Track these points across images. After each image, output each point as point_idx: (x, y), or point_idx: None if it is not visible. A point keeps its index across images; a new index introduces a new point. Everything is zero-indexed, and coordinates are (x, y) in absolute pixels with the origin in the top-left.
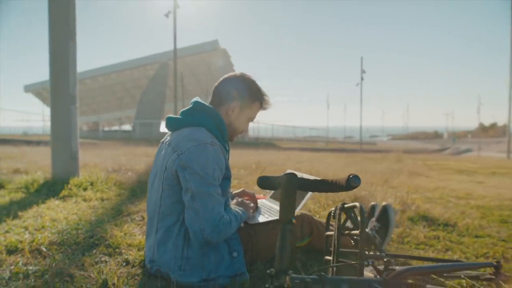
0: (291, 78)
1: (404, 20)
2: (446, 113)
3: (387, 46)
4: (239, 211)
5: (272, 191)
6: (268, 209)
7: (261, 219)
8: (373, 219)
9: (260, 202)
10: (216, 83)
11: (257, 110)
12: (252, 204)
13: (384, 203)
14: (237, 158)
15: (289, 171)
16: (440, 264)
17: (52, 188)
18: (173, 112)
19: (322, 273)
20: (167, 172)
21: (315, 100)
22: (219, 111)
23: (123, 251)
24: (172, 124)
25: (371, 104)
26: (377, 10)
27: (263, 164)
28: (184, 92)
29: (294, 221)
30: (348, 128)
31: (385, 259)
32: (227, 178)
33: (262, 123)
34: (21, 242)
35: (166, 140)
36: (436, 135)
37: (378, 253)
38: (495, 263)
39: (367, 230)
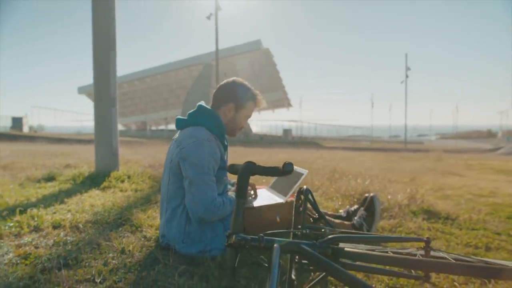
0: (336, 76)
1: (452, 15)
2: (500, 111)
3: (433, 42)
4: (233, 195)
5: (272, 182)
6: (266, 197)
7: (255, 204)
8: (362, 208)
9: (259, 191)
10: (215, 90)
11: (252, 109)
12: (251, 191)
13: (371, 194)
14: (271, 156)
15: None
16: (370, 234)
17: (94, 180)
18: None
19: (261, 234)
20: (172, 163)
21: (360, 99)
22: (218, 112)
23: (144, 229)
24: (180, 124)
25: (418, 102)
26: (423, 4)
27: (294, 162)
28: None
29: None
30: (394, 127)
31: (323, 230)
32: (222, 168)
33: (306, 122)
34: (63, 220)
35: (175, 137)
36: (489, 134)
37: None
38: (425, 239)
39: (356, 218)
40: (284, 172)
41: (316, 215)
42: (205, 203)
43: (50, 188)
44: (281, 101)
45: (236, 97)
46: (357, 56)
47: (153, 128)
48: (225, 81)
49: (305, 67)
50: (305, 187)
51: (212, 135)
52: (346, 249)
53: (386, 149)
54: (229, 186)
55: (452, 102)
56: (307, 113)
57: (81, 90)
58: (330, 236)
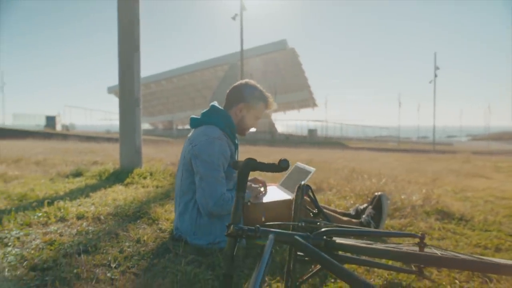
0: (362, 76)
1: (484, 13)
2: None
3: (464, 40)
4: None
5: (282, 180)
6: (276, 194)
7: (264, 200)
8: (370, 206)
9: (270, 188)
10: (228, 90)
11: (262, 110)
12: (262, 189)
13: (379, 193)
14: (294, 156)
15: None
16: (364, 229)
17: (119, 176)
18: None
19: (258, 225)
20: (185, 160)
21: (387, 99)
22: (230, 112)
23: (160, 222)
24: (193, 123)
25: (448, 102)
26: (452, 3)
27: (314, 161)
28: None
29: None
30: (422, 128)
31: (318, 223)
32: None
33: (331, 122)
34: (87, 212)
35: (189, 135)
36: None
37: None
38: (420, 235)
39: (364, 216)
40: (280, 167)
41: (316, 210)
42: (214, 198)
43: (77, 183)
44: (307, 101)
45: (247, 99)
46: (384, 54)
47: (180, 127)
48: (238, 82)
49: (331, 66)
50: (302, 182)
51: (223, 134)
52: (337, 241)
53: (414, 150)
54: None
55: (484, 102)
56: (332, 113)
57: (111, 90)
58: (323, 229)
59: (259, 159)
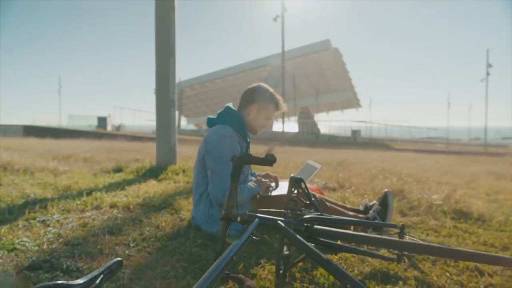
0: (409, 75)
1: None
2: None
3: None
4: (252, 185)
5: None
6: (285, 188)
7: (273, 193)
8: (377, 202)
9: (281, 183)
10: (243, 92)
11: (273, 111)
12: (272, 183)
13: (386, 190)
14: (328, 155)
15: (309, 160)
16: (346, 218)
17: (154, 173)
18: (286, 113)
19: (245, 211)
20: (200, 156)
21: (435, 99)
22: (243, 112)
23: (182, 213)
24: (210, 122)
25: (502, 102)
26: None
27: (347, 162)
28: (296, 92)
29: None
30: (474, 129)
31: (303, 211)
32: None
33: (375, 123)
34: (119, 202)
35: (205, 134)
36: None
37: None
38: (399, 226)
39: (370, 211)
40: (267, 161)
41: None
42: (223, 189)
43: (117, 178)
44: (351, 101)
45: (258, 100)
46: (432, 53)
47: None
48: (252, 85)
49: (376, 66)
50: (292, 174)
51: (235, 132)
52: (315, 226)
53: (462, 152)
54: (251, 177)
55: None
56: (377, 114)
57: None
58: (305, 216)
59: (295, 159)
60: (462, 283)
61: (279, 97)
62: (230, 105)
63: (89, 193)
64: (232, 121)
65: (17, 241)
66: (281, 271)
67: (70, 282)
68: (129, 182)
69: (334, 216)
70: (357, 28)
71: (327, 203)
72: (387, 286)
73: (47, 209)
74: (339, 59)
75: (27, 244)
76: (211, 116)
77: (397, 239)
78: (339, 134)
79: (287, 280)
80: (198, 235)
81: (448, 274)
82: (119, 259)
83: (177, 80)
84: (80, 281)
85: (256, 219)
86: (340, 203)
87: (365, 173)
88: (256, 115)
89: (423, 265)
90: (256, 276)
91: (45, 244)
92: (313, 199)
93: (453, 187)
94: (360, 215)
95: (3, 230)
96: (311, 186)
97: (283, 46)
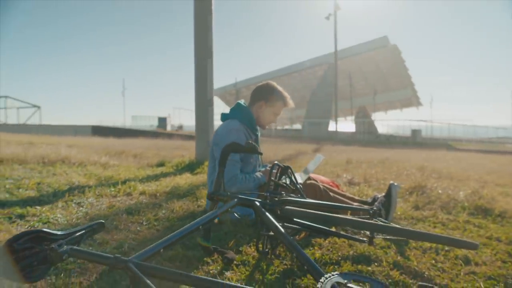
0: (473, 72)
1: None
2: None
3: None
4: (258, 175)
5: (305, 167)
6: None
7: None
8: (382, 194)
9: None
10: (253, 89)
11: (280, 108)
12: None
13: (391, 182)
14: (374, 154)
15: (318, 154)
16: (319, 202)
17: (191, 167)
18: (341, 112)
19: (228, 192)
20: (211, 147)
21: (502, 96)
22: (252, 108)
23: (201, 200)
24: (222, 117)
25: None
26: None
27: (389, 160)
28: (352, 91)
29: None
30: None
31: (283, 195)
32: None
33: (437, 122)
34: (148, 190)
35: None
36: None
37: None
38: (371, 210)
39: (376, 203)
40: (248, 149)
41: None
42: (227, 177)
43: (157, 171)
44: (410, 99)
45: (266, 97)
46: (499, 47)
47: (279, 127)
48: (261, 83)
49: (438, 62)
50: (275, 162)
51: (242, 126)
52: (287, 207)
53: None
54: (261, 168)
55: None
56: (438, 113)
57: (215, 92)
58: (281, 198)
59: (336, 158)
60: (444, 270)
61: (286, 94)
62: (242, 102)
63: (124, 182)
64: (241, 116)
65: (52, 216)
66: (267, 250)
67: (53, 231)
68: (166, 175)
69: (311, 200)
70: (417, 23)
71: (330, 193)
72: (359, 266)
73: (84, 193)
74: (397, 56)
75: (59, 219)
76: (224, 112)
77: (368, 221)
78: (398, 134)
79: (269, 257)
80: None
81: (433, 261)
82: (101, 221)
83: (233, 81)
84: (61, 232)
85: (235, 199)
86: (349, 195)
87: (397, 170)
88: (264, 110)
89: (413, 253)
90: (241, 252)
91: (73, 219)
92: (299, 185)
93: (494, 186)
94: (365, 206)
95: (44, 208)
96: (325, 178)
97: (335, 45)
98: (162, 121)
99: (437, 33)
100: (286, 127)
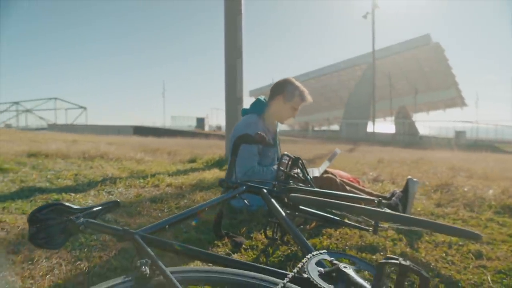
0: None
1: None
2: None
3: None
4: (275, 168)
5: (323, 163)
6: (310, 172)
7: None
8: (400, 189)
9: (312, 169)
10: (272, 85)
11: (298, 102)
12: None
13: (408, 177)
14: (408, 154)
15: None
16: (325, 191)
17: (220, 163)
18: (380, 112)
19: (238, 180)
20: (230, 141)
21: None
22: (271, 103)
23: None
24: (243, 112)
25: None
26: None
27: (423, 160)
28: (392, 91)
29: None
30: None
31: (292, 183)
32: (267, 145)
33: (483, 123)
34: (175, 182)
35: None
36: None
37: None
38: (377, 200)
39: (393, 198)
40: (256, 139)
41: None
42: (244, 169)
43: (187, 166)
44: (454, 100)
45: (284, 92)
46: None
47: (316, 128)
48: (280, 79)
49: (484, 60)
50: (285, 153)
51: (261, 120)
52: (292, 194)
53: None
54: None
55: None
56: (484, 113)
57: (252, 93)
58: (288, 187)
59: (369, 157)
60: (453, 262)
61: (304, 89)
62: (262, 97)
63: (154, 175)
64: (259, 111)
65: (83, 202)
66: (276, 237)
67: (72, 205)
68: (195, 170)
69: (317, 189)
70: (461, 20)
71: (347, 187)
72: (363, 254)
73: (115, 184)
74: (440, 54)
75: (89, 205)
76: (244, 107)
77: (374, 208)
78: (440, 136)
79: (277, 243)
80: (227, 208)
81: (444, 254)
82: (117, 200)
83: (269, 82)
84: (80, 207)
85: (244, 186)
86: (368, 190)
87: (427, 169)
88: (281, 106)
89: (423, 246)
90: (251, 238)
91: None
92: (309, 176)
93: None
94: (382, 201)
95: (78, 195)
96: (345, 174)
97: (373, 44)
98: (200, 121)
99: (481, 30)
100: (323, 128)
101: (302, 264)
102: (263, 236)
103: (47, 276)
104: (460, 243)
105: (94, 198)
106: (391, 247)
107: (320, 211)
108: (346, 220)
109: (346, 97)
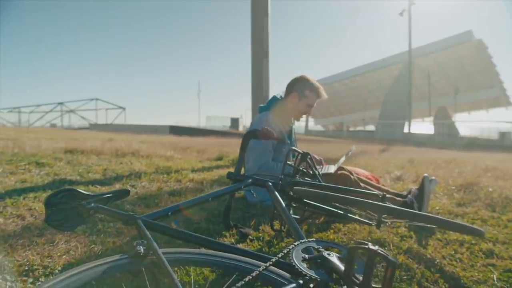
0: None
1: None
2: None
3: None
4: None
5: (340, 161)
6: (326, 169)
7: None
8: (416, 187)
9: (328, 166)
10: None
11: (314, 98)
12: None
13: (424, 175)
14: (442, 155)
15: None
16: (331, 185)
17: None
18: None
19: (245, 174)
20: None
21: None
22: (286, 100)
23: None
24: (260, 109)
25: None
26: None
27: (455, 161)
28: (431, 90)
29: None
30: None
31: (298, 177)
32: (281, 142)
33: None
34: (197, 178)
35: None
36: None
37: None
38: (381, 195)
39: (409, 196)
40: (262, 134)
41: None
42: (258, 164)
43: (213, 164)
44: (498, 99)
45: (299, 89)
46: None
47: (351, 129)
48: (296, 76)
49: None
50: (293, 147)
51: (275, 117)
52: (296, 187)
53: None
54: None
55: None
56: None
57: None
58: (293, 180)
59: (402, 158)
60: (461, 260)
61: (319, 85)
62: (277, 95)
63: (178, 171)
64: (274, 108)
65: None
66: (283, 229)
67: (84, 191)
68: (219, 167)
69: (323, 183)
70: (505, 14)
71: (361, 183)
72: None
73: (140, 178)
74: (483, 51)
75: None
76: (261, 105)
77: (376, 202)
78: (483, 137)
79: (283, 235)
80: (240, 201)
81: (453, 252)
82: (128, 189)
83: None
84: (92, 193)
85: (250, 179)
86: (385, 187)
87: (456, 169)
88: (297, 102)
89: (433, 243)
90: (259, 230)
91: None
92: (317, 171)
93: None
94: (397, 198)
95: (103, 188)
96: (363, 171)
97: (410, 42)
98: (235, 121)
99: None
100: (359, 128)
101: (288, 249)
102: (269, 228)
103: (63, 256)
104: (473, 241)
105: None
106: (397, 243)
107: (325, 205)
108: (350, 215)
109: (382, 97)
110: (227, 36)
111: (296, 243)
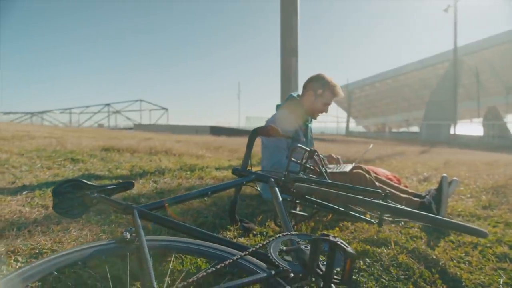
0: None
1: None
2: None
3: None
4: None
5: (357, 160)
6: (343, 167)
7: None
8: (434, 188)
9: (345, 164)
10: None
11: (330, 97)
12: (334, 164)
13: (443, 175)
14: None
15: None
16: (333, 182)
17: None
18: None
19: (249, 169)
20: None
21: None
22: (303, 99)
23: (259, 185)
24: (276, 108)
25: None
26: None
27: (497, 163)
28: (480, 90)
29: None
30: None
31: (302, 175)
32: (296, 140)
33: None
34: (218, 176)
35: None
36: None
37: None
38: (383, 194)
39: (427, 196)
40: (269, 131)
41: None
42: (272, 161)
43: (240, 162)
44: None
45: (314, 87)
46: None
47: (394, 130)
48: (312, 75)
49: None
50: (299, 145)
51: (291, 115)
52: (296, 183)
53: None
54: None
55: None
56: None
57: None
58: (295, 176)
59: (440, 159)
60: (470, 262)
61: (335, 83)
62: (294, 94)
63: (202, 169)
64: (290, 106)
65: None
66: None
67: (89, 182)
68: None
69: (326, 180)
70: None
71: (377, 182)
72: (367, 247)
73: (163, 175)
74: None
75: (133, 191)
76: (278, 103)
77: (377, 201)
78: None
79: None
80: (256, 197)
81: (463, 255)
82: (132, 181)
83: (345, 82)
84: (96, 184)
85: (253, 175)
86: (403, 187)
87: (487, 172)
88: (313, 101)
89: (442, 245)
90: (264, 225)
91: (144, 190)
92: (324, 169)
93: None
94: (414, 199)
95: None
96: (384, 171)
97: (455, 40)
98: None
99: None
100: (402, 129)
101: (268, 241)
102: (274, 224)
103: (72, 242)
104: (488, 245)
105: (140, 185)
106: (403, 243)
107: (327, 202)
108: (352, 212)
109: (427, 97)
110: (267, 36)
111: (277, 236)
